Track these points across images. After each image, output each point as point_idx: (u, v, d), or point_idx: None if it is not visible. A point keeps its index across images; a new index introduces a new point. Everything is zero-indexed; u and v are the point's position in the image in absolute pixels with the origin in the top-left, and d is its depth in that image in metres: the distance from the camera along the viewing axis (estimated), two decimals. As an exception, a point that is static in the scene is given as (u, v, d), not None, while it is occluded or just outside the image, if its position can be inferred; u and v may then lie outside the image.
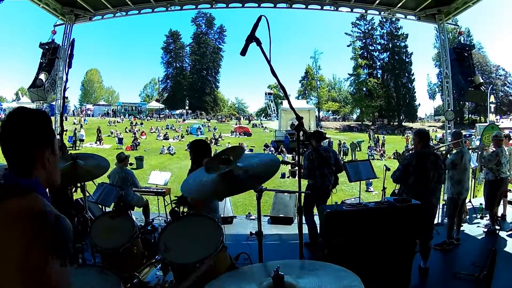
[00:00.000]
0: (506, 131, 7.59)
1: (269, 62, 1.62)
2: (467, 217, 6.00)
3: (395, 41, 50.43)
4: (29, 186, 0.99)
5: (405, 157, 3.83)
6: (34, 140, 1.02)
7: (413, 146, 4.17)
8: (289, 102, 1.98)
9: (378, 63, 51.96)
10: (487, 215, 5.74)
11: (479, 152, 5.90)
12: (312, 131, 5.28)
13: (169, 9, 8.23)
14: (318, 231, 4.78)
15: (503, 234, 5.16)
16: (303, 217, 4.89)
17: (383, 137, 33.20)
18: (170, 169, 16.43)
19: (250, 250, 3.03)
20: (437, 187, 3.84)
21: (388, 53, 50.78)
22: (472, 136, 23.80)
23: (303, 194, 4.19)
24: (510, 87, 47.14)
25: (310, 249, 4.76)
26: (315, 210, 4.96)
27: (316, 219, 5.01)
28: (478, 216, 6.11)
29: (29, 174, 1.01)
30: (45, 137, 1.05)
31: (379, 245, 3.06)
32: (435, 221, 4.85)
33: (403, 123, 49.45)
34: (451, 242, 4.74)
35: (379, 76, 51.30)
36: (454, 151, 4.92)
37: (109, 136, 28.80)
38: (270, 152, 23.08)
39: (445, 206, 5.00)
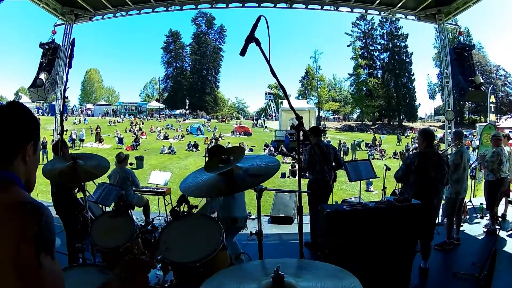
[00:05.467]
0: (506, 131, 7.58)
1: (268, 62, 1.62)
2: (467, 217, 6.00)
3: (395, 41, 50.39)
4: (8, 178, 0.97)
5: (408, 156, 3.82)
6: (19, 132, 1.02)
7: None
8: (289, 102, 1.98)
9: (378, 63, 51.95)
10: (487, 215, 5.74)
11: (479, 162, 5.82)
12: (309, 128, 5.31)
13: (169, 9, 8.24)
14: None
15: (503, 234, 5.16)
16: (308, 216, 4.94)
17: (381, 137, 33.23)
18: (170, 169, 16.46)
19: (248, 249, 3.03)
20: (439, 188, 3.83)
21: (388, 53, 50.75)
22: (470, 136, 23.82)
23: (303, 194, 4.22)
24: (510, 87, 47.08)
25: (310, 249, 4.77)
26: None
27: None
28: (478, 216, 6.11)
29: (9, 165, 1.00)
30: (30, 133, 1.06)
31: (379, 245, 3.06)
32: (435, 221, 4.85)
33: (403, 123, 49.41)
34: (451, 242, 4.74)
35: (379, 76, 51.27)
36: (454, 150, 4.92)
37: (109, 136, 28.81)
38: (269, 152, 23.09)
39: (443, 206, 4.99)
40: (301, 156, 4.79)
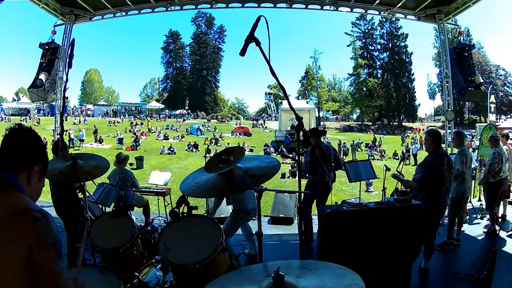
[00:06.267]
0: (506, 131, 7.58)
1: (268, 62, 1.62)
2: (467, 217, 6.00)
3: (395, 41, 50.42)
4: (6, 178, 0.99)
5: (426, 159, 3.77)
6: (30, 152, 1.10)
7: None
8: (289, 102, 1.98)
9: (378, 63, 51.96)
10: (487, 215, 5.74)
11: (484, 180, 5.72)
12: (309, 129, 5.32)
13: (169, 9, 8.23)
14: (316, 230, 4.81)
15: (503, 234, 5.15)
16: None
17: (381, 138, 33.16)
18: (170, 169, 16.44)
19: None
20: (450, 187, 3.87)
21: (388, 53, 50.77)
22: (469, 137, 23.82)
23: (303, 194, 4.23)
24: (510, 87, 47.12)
25: (306, 247, 4.76)
26: (314, 210, 4.97)
27: (314, 217, 5.04)
28: (478, 216, 6.11)
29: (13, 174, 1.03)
30: (40, 157, 1.13)
31: (379, 245, 3.06)
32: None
33: (403, 123, 49.43)
34: (451, 243, 4.73)
35: (379, 76, 51.27)
36: (457, 151, 4.90)
37: (108, 136, 28.80)
38: (266, 150, 23.07)
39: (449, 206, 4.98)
40: (301, 158, 4.79)
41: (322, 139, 5.41)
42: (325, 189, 4.94)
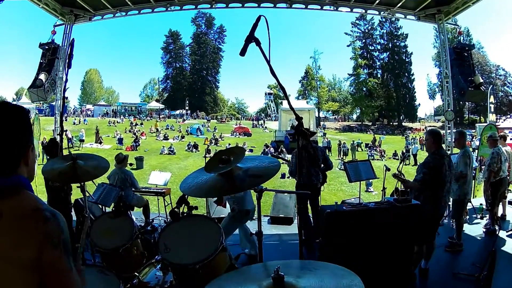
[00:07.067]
0: (506, 131, 7.58)
1: (268, 62, 1.61)
2: (467, 217, 6.00)
3: (395, 41, 50.45)
4: (17, 185, 0.96)
5: (428, 160, 3.74)
6: (20, 138, 0.99)
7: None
8: (289, 102, 1.98)
9: (378, 63, 52.00)
10: (487, 215, 5.74)
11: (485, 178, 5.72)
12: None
13: (169, 9, 8.22)
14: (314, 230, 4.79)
15: (503, 234, 5.16)
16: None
17: (381, 138, 33.10)
18: (170, 169, 16.44)
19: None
20: (450, 188, 3.87)
21: (388, 53, 50.80)
22: (469, 137, 23.83)
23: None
24: (510, 87, 47.11)
25: (307, 248, 4.76)
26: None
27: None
28: (478, 216, 6.12)
29: (13, 173, 0.97)
30: (29, 134, 1.03)
31: (379, 245, 3.06)
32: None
33: (403, 123, 49.45)
34: (457, 243, 4.73)
35: (379, 76, 51.31)
36: (460, 152, 4.89)
37: (108, 136, 28.79)
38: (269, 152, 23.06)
39: (452, 208, 4.99)
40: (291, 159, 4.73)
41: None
42: (313, 191, 4.77)
